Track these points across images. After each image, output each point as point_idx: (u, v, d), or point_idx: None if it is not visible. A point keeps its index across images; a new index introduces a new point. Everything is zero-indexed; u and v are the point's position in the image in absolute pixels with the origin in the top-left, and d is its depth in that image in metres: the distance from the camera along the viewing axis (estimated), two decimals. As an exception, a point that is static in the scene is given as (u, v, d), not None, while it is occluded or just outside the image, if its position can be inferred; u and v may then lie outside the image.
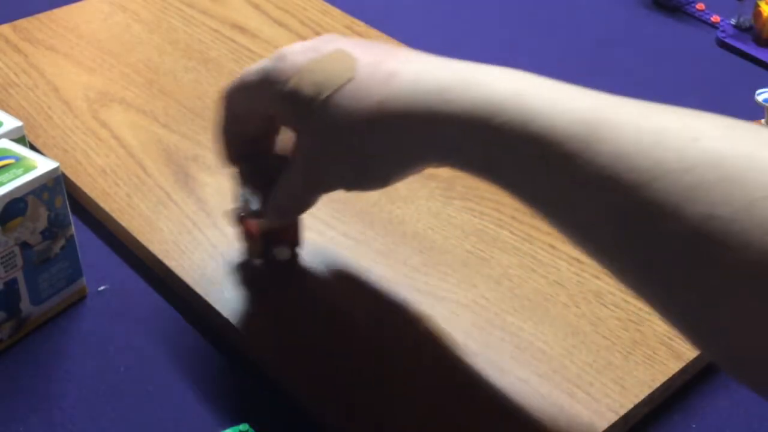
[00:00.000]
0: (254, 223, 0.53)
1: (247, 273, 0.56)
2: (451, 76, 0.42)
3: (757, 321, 0.34)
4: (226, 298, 0.54)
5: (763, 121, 0.69)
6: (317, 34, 0.80)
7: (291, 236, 0.55)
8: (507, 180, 0.41)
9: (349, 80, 0.44)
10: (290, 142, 0.50)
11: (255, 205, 0.52)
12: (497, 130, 0.40)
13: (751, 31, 0.86)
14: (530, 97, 0.40)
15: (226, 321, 0.53)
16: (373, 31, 0.81)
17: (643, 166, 0.36)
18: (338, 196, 0.62)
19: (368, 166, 0.46)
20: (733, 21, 0.87)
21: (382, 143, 0.44)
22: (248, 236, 0.54)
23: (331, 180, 0.48)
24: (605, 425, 0.47)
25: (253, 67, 0.49)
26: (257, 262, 0.55)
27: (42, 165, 0.51)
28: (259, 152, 0.52)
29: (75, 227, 0.54)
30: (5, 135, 0.54)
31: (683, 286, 0.36)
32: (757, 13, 0.84)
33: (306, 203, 0.50)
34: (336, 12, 0.84)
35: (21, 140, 0.54)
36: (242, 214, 0.53)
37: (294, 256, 0.56)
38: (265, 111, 0.50)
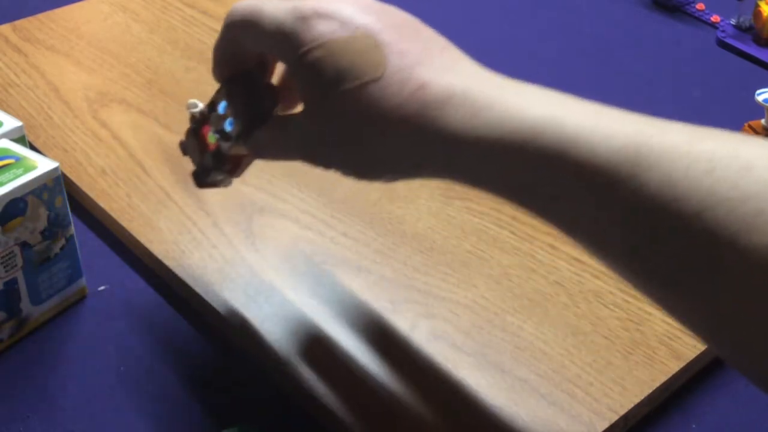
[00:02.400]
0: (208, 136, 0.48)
1: (247, 272, 0.56)
2: (481, 97, 0.40)
3: None
4: (226, 298, 0.54)
5: (763, 121, 0.69)
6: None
7: (235, 167, 0.49)
8: (540, 206, 0.39)
9: (374, 80, 0.41)
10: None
11: (227, 125, 0.47)
12: (530, 156, 0.38)
13: (751, 31, 0.86)
14: (568, 122, 0.38)
15: (226, 321, 0.53)
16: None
17: (695, 196, 0.35)
18: (338, 195, 0.62)
19: (372, 165, 0.43)
20: (733, 21, 0.88)
21: (395, 150, 0.42)
22: (200, 147, 0.49)
23: (326, 161, 0.45)
24: (605, 425, 0.47)
25: (268, 8, 0.44)
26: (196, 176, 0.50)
27: (42, 165, 0.51)
28: (251, 76, 0.48)
29: (75, 227, 0.54)
30: (5, 135, 0.54)
31: (739, 315, 0.35)
32: (757, 13, 0.84)
33: (289, 159, 0.47)
34: (336, 12, 0.84)
35: (21, 140, 0.54)
36: (200, 119, 0.49)
37: (225, 185, 0.50)
38: (270, 55, 0.47)
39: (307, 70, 0.42)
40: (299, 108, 0.45)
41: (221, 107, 0.48)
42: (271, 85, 0.48)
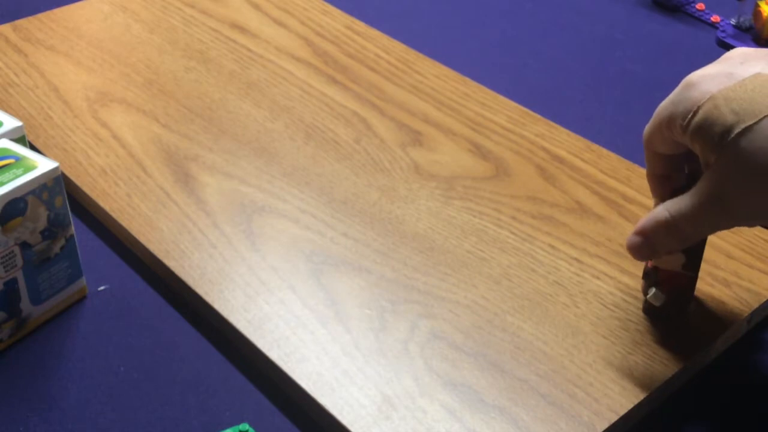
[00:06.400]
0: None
1: (247, 272, 0.56)
2: None
3: None
4: (226, 297, 0.54)
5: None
6: (317, 34, 0.80)
7: (679, 285, 0.52)
8: None
9: None
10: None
11: None
12: None
13: (751, 31, 0.86)
14: None
15: (225, 321, 0.53)
16: (374, 31, 0.81)
17: None
18: (338, 195, 0.62)
19: None
20: (733, 21, 0.88)
21: None
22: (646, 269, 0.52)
23: (742, 214, 0.44)
24: (605, 425, 0.47)
25: (664, 101, 0.46)
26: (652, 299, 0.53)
27: (42, 165, 0.51)
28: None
29: (75, 227, 0.54)
30: (5, 135, 0.54)
31: None
32: (757, 13, 0.84)
33: (702, 234, 0.47)
34: (336, 12, 0.84)
35: (21, 140, 0.55)
36: None
37: (670, 309, 0.52)
38: (678, 142, 0.47)
39: (702, 127, 0.42)
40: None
41: None
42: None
